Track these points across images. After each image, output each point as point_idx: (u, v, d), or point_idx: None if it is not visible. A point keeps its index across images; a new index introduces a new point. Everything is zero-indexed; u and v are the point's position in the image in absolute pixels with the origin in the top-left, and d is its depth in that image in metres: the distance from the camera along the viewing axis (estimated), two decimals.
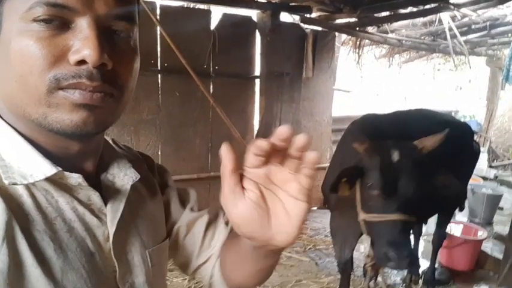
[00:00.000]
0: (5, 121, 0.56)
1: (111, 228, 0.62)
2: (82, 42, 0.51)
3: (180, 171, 4.17)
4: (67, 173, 0.56)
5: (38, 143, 0.56)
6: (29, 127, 0.55)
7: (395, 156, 2.00)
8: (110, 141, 0.75)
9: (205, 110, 4.16)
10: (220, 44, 4.17)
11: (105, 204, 0.62)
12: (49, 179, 0.55)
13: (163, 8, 3.81)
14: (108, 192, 0.64)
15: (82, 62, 0.51)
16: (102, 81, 0.53)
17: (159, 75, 3.92)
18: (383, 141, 2.09)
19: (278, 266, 3.43)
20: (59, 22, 0.51)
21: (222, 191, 0.51)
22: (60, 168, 0.55)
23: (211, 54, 4.17)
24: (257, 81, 4.56)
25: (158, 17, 3.70)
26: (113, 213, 0.62)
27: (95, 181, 0.64)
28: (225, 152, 0.48)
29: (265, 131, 4.48)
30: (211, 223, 0.85)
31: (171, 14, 3.84)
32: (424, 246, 4.01)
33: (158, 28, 3.57)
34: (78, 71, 0.52)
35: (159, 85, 3.94)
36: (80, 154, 0.61)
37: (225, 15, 4.22)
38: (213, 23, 4.15)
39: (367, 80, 10.23)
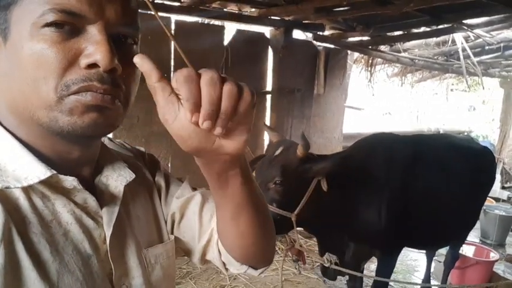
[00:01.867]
0: (2, 126, 0.57)
1: (108, 231, 0.61)
2: (94, 47, 0.52)
3: (190, 184, 4.15)
4: (62, 176, 0.56)
5: (36, 147, 0.57)
6: (31, 131, 0.56)
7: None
8: (106, 141, 0.76)
9: None
10: (233, 60, 4.21)
11: (101, 207, 0.63)
12: (45, 183, 0.55)
13: (178, 24, 3.87)
14: (103, 195, 0.64)
15: (92, 66, 0.53)
16: (112, 85, 0.55)
17: None
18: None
19: (285, 282, 3.41)
20: (69, 27, 0.53)
21: (157, 105, 0.52)
22: (54, 171, 0.55)
23: (224, 69, 4.21)
24: (268, 96, 4.59)
25: (173, 32, 3.76)
26: (108, 215, 0.62)
27: (91, 184, 0.64)
28: (143, 62, 0.49)
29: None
30: (205, 202, 0.82)
31: (185, 29, 3.90)
32: (435, 267, 3.93)
33: (172, 43, 3.63)
34: (88, 75, 0.53)
35: None
36: (78, 160, 0.61)
37: (238, 32, 4.27)
38: (226, 39, 4.20)
39: (379, 99, 10.22)
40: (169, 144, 4.04)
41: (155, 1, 3.59)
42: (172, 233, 0.80)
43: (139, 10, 0.63)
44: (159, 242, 0.74)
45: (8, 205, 0.51)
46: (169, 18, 3.75)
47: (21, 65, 0.52)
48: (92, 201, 0.61)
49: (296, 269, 2.60)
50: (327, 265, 2.36)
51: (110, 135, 0.76)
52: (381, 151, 2.58)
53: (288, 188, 2.09)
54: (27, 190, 0.54)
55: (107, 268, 0.61)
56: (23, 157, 0.55)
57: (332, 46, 4.90)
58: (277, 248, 4.20)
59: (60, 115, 0.53)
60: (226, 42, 4.19)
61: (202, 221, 0.79)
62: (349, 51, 5.20)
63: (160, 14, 3.18)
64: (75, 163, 0.61)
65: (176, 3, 3.77)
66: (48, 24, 0.51)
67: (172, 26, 3.83)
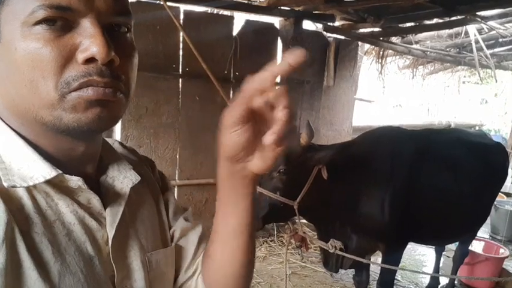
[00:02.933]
0: (6, 124, 0.56)
1: (110, 232, 0.61)
2: (89, 40, 0.51)
3: (197, 175, 4.19)
4: (67, 176, 0.56)
5: (40, 146, 0.56)
6: (33, 130, 0.55)
7: None
8: (112, 143, 0.75)
9: None
10: (242, 50, 4.18)
11: (105, 208, 0.62)
12: (49, 182, 0.55)
13: (187, 14, 3.84)
14: (107, 195, 0.64)
15: (90, 60, 0.52)
16: (112, 77, 0.54)
17: (180, 80, 3.95)
18: None
19: (292, 275, 3.42)
20: (61, 23, 0.51)
21: (232, 108, 0.53)
22: (60, 171, 0.55)
23: (233, 60, 4.19)
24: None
25: (181, 22, 3.74)
26: (112, 216, 0.62)
27: (95, 184, 0.64)
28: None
29: None
30: (203, 236, 0.82)
31: (194, 19, 3.87)
32: (443, 262, 3.90)
33: (181, 33, 3.61)
34: (87, 70, 0.52)
35: (180, 89, 3.97)
36: (83, 156, 0.61)
37: (247, 22, 4.23)
38: (235, 29, 4.17)
39: (390, 91, 10.11)
40: (178, 135, 4.04)
41: None
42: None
43: None
44: (162, 247, 0.73)
45: (11, 204, 0.51)
46: (178, 8, 3.72)
47: (17, 67, 0.51)
48: (95, 202, 0.61)
49: (299, 254, 2.62)
50: (331, 251, 2.36)
51: (117, 137, 0.74)
52: (385, 144, 2.57)
53: (291, 176, 2.12)
54: (31, 189, 0.54)
55: (109, 270, 0.61)
56: (28, 156, 0.54)
57: (342, 37, 4.84)
58: (282, 240, 4.21)
59: (64, 113, 0.52)
60: (235, 32, 4.16)
61: (197, 252, 0.79)
62: (359, 43, 5.13)
63: (169, 3, 3.17)
64: (79, 161, 0.60)
65: None
66: (39, 22, 0.50)
67: (181, 16, 3.80)
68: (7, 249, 0.48)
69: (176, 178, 4.12)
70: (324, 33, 4.72)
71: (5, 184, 0.51)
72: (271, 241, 4.47)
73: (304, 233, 2.44)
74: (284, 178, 2.12)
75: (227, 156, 0.57)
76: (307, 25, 4.60)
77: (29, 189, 0.53)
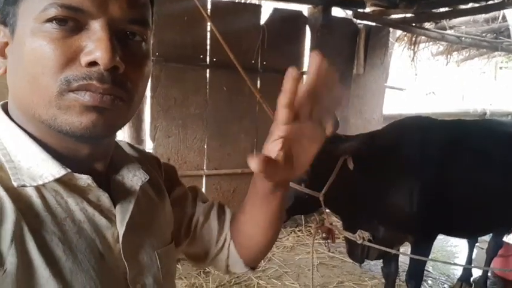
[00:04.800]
0: (15, 122, 0.57)
1: (121, 229, 0.61)
2: (95, 44, 0.51)
3: (225, 165, 4.21)
4: (76, 175, 0.56)
5: (48, 144, 0.56)
6: (39, 128, 0.56)
7: None
8: (122, 144, 0.76)
9: (252, 105, 4.16)
10: (269, 39, 4.14)
11: (115, 205, 0.62)
12: (58, 180, 0.55)
13: (214, 3, 3.83)
14: (117, 193, 0.64)
15: (93, 63, 0.51)
16: (113, 84, 0.53)
17: (208, 70, 3.96)
18: None
19: (320, 266, 3.40)
20: (72, 24, 0.51)
21: (276, 123, 0.57)
22: (69, 170, 0.55)
23: (260, 49, 4.16)
24: (305, 77, 4.49)
25: (209, 12, 3.74)
26: (122, 214, 0.62)
27: (105, 182, 0.64)
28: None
29: None
30: (220, 209, 0.90)
31: (221, 9, 3.86)
32: (477, 253, 3.79)
33: (208, 23, 3.60)
34: (89, 73, 0.51)
35: (207, 80, 3.98)
36: (90, 156, 0.61)
37: (275, 10, 4.18)
38: (263, 18, 4.13)
39: (423, 78, 9.82)
40: (206, 126, 4.07)
41: None
42: (189, 235, 0.86)
43: (151, 4, 0.61)
44: (168, 243, 0.75)
45: (20, 203, 0.51)
46: None
47: (23, 62, 0.52)
48: (105, 199, 0.61)
49: (326, 246, 2.60)
50: (359, 241, 2.34)
51: (123, 138, 0.75)
52: (414, 134, 2.50)
53: (316, 167, 2.12)
54: (40, 188, 0.54)
55: (121, 267, 0.61)
56: (37, 154, 0.55)
57: (373, 24, 4.71)
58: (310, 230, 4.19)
59: (58, 112, 0.52)
60: (262, 21, 4.12)
61: (220, 226, 0.87)
62: (391, 29, 4.99)
63: None
64: (86, 160, 0.60)
65: None
66: (49, 20, 0.50)
67: (209, 6, 3.79)
68: (17, 249, 0.48)
69: (204, 168, 4.16)
70: (354, 20, 4.61)
71: (15, 184, 0.51)
72: (299, 231, 4.46)
73: (331, 224, 2.42)
74: (309, 170, 2.13)
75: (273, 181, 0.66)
76: (337, 12, 4.50)
77: (38, 188, 0.54)
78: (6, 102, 0.60)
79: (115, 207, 0.62)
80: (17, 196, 0.51)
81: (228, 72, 3.79)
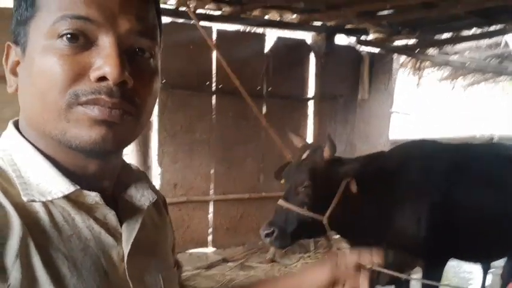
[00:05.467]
0: (26, 138, 0.57)
1: (126, 248, 0.60)
2: (104, 60, 0.51)
3: (232, 190, 4.21)
4: (85, 192, 0.56)
5: (57, 161, 0.56)
6: (49, 144, 0.56)
7: None
8: (130, 164, 0.75)
9: (258, 130, 4.18)
10: (274, 67, 4.22)
11: (121, 224, 0.61)
12: (66, 197, 0.55)
13: (220, 33, 3.93)
14: (124, 212, 0.63)
15: (102, 78, 0.51)
16: (122, 98, 0.53)
17: (213, 97, 4.02)
18: None
19: None
20: (83, 40, 0.52)
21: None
22: (78, 187, 0.55)
23: (265, 76, 4.22)
24: (310, 102, 4.54)
25: (215, 41, 3.83)
26: (128, 233, 0.61)
27: (112, 200, 0.63)
28: None
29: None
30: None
31: (227, 37, 3.95)
32: (492, 279, 3.69)
33: (214, 51, 3.69)
34: (98, 87, 0.52)
35: (213, 106, 4.04)
36: (98, 173, 0.60)
37: (279, 39, 4.27)
38: (267, 46, 4.22)
39: (429, 103, 9.82)
40: (212, 151, 4.10)
41: (197, 11, 3.66)
42: None
43: (159, 24, 0.62)
44: (171, 268, 0.74)
45: (27, 219, 0.51)
46: (210, 27, 3.82)
47: (32, 78, 0.53)
48: (112, 217, 0.60)
49: None
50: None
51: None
52: (419, 158, 2.47)
53: (317, 190, 2.11)
54: (47, 204, 0.54)
55: (126, 286, 0.60)
56: (46, 171, 0.55)
57: (376, 50, 4.78)
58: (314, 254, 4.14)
59: (68, 126, 0.53)
60: (267, 49, 4.21)
61: None
62: (395, 55, 5.05)
63: (202, 23, 3.25)
64: (94, 177, 0.60)
65: (218, 12, 3.83)
66: (61, 35, 0.51)
67: (214, 35, 3.88)
68: (22, 265, 0.47)
69: (211, 193, 4.16)
70: (357, 46, 4.68)
71: (25, 198, 0.51)
72: (308, 257, 4.40)
73: (338, 249, 2.38)
74: (310, 192, 2.11)
75: None
76: (340, 39, 4.58)
77: (45, 204, 0.53)
78: (18, 120, 0.60)
79: (121, 226, 0.61)
80: (25, 212, 0.51)
81: (234, 98, 3.85)
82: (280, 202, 2.11)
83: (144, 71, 0.56)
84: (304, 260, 4.34)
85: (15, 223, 0.49)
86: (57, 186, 0.54)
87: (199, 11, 3.72)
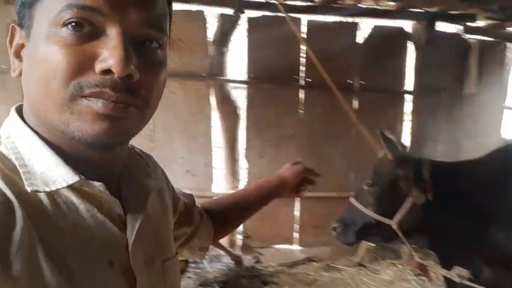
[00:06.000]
0: (29, 126, 0.56)
1: (130, 238, 0.60)
2: (109, 52, 0.50)
3: (320, 188, 4.07)
4: (89, 181, 0.55)
5: (61, 149, 0.55)
6: (52, 133, 0.55)
7: None
8: (136, 150, 0.75)
9: (348, 126, 3.99)
10: (368, 58, 4.01)
11: (125, 213, 0.61)
12: (71, 186, 0.54)
13: (310, 24, 3.83)
14: (128, 201, 0.63)
15: (107, 71, 0.50)
16: (127, 92, 0.52)
17: (301, 91, 3.94)
18: None
19: None
20: (88, 29, 0.51)
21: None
22: (82, 176, 0.54)
23: (358, 68, 4.03)
24: (408, 97, 4.22)
25: (304, 33, 3.75)
26: (132, 222, 0.61)
27: (116, 189, 0.63)
28: None
29: (416, 152, 4.08)
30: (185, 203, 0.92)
31: (317, 29, 3.84)
32: None
33: (303, 45, 3.61)
34: (102, 80, 0.51)
35: (301, 100, 3.95)
36: (102, 163, 0.59)
37: (374, 28, 4.03)
38: (361, 36, 4.02)
39: None
40: (299, 147, 4.02)
41: (286, 2, 3.61)
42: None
43: (169, 12, 0.61)
44: (173, 255, 0.75)
45: (30, 209, 0.50)
46: (299, 19, 3.73)
47: (36, 66, 0.52)
48: (116, 206, 0.60)
49: (418, 284, 2.30)
50: (457, 280, 2.02)
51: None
52: None
53: (380, 192, 2.00)
54: (52, 193, 0.53)
55: (130, 275, 0.60)
56: (50, 159, 0.54)
57: (487, 38, 4.28)
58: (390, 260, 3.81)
59: (71, 118, 0.51)
60: (360, 39, 4.02)
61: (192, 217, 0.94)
62: (508, 44, 4.47)
63: (291, 15, 3.20)
64: (98, 167, 0.59)
65: (308, 3, 3.73)
66: (66, 24, 0.50)
67: (304, 27, 3.79)
68: (25, 256, 0.47)
69: None
70: (464, 35, 4.23)
71: (28, 188, 0.51)
72: (399, 264, 4.09)
73: (421, 258, 2.14)
74: (372, 192, 2.01)
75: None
76: (443, 27, 4.18)
77: (49, 194, 0.53)
78: (21, 105, 0.60)
79: (125, 215, 0.61)
80: (28, 201, 0.51)
81: (323, 92, 3.73)
82: (351, 199, 2.07)
83: (151, 62, 0.55)
84: (396, 267, 4.05)
85: (18, 213, 0.49)
86: (61, 175, 0.53)
87: (289, 2, 3.66)
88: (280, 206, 4.10)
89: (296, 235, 4.20)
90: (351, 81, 4.01)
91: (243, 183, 4.08)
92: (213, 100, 3.88)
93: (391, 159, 1.99)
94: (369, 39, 4.00)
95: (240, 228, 4.13)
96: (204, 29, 3.78)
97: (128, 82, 0.52)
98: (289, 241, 4.19)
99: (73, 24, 0.50)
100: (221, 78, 3.88)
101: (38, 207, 0.51)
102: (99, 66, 0.50)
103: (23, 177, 0.52)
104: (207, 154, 3.93)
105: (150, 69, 0.55)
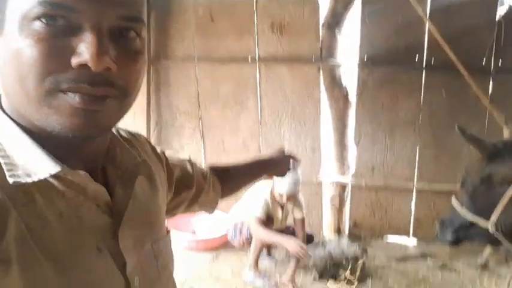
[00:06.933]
0: (9, 116, 0.57)
1: (118, 222, 0.62)
2: (84, 46, 0.50)
3: (441, 180, 3.73)
4: (71, 171, 0.56)
5: (42, 139, 0.55)
6: (32, 124, 0.55)
7: None
8: (115, 132, 0.74)
9: (479, 113, 3.54)
10: (507, 37, 3.48)
11: (112, 198, 0.63)
12: (55, 175, 0.55)
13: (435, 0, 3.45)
14: (114, 186, 0.64)
15: (83, 66, 0.50)
16: (105, 85, 0.52)
17: (423, 72, 3.60)
18: None
19: None
20: (62, 22, 0.50)
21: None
22: (63, 166, 0.55)
23: (494, 47, 3.53)
24: None
25: (429, 9, 3.41)
26: (119, 207, 0.63)
27: (102, 175, 0.64)
28: None
29: None
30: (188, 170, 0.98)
31: (443, 5, 3.45)
32: None
33: (426, 23, 3.26)
34: (79, 76, 0.50)
35: (423, 83, 3.62)
36: (84, 152, 0.61)
37: None
38: (499, 12, 3.51)
39: None
40: (418, 133, 3.71)
41: None
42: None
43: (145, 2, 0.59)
44: (165, 235, 0.77)
45: (16, 200, 0.51)
46: None
47: (10, 60, 0.51)
48: (101, 192, 0.61)
49: None
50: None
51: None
52: None
53: (472, 191, 1.88)
54: (37, 183, 0.54)
55: (119, 260, 0.61)
56: (32, 150, 0.55)
57: None
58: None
59: (49, 112, 0.52)
60: (498, 15, 3.51)
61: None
62: None
63: None
64: (80, 156, 0.60)
65: None
66: (39, 17, 0.49)
67: (428, 4, 3.45)
68: (13, 246, 0.48)
69: (415, 181, 3.78)
70: None
71: (10, 180, 0.51)
72: None
73: None
74: (464, 191, 1.89)
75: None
76: None
77: (33, 184, 0.53)
78: (0, 95, 0.60)
79: (112, 200, 0.63)
80: (13, 192, 0.51)
81: (449, 74, 3.38)
82: (453, 197, 1.96)
83: (129, 52, 0.55)
84: None
85: (4, 205, 0.50)
86: (43, 165, 0.54)
87: None
88: (393, 195, 3.86)
89: (411, 228, 3.91)
90: (485, 62, 3.53)
91: (351, 170, 3.92)
92: (322, 84, 3.77)
93: (481, 156, 1.85)
94: (509, 15, 3.44)
95: (347, 215, 4.03)
96: (316, 12, 3.65)
97: (106, 75, 0.52)
98: (404, 233, 3.93)
99: (46, 18, 0.49)
100: (332, 61, 3.74)
101: (22, 198, 0.52)
102: (74, 61, 0.50)
103: (5, 168, 0.52)
104: (315, 139, 3.85)
105: (128, 59, 0.55)
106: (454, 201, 1.92)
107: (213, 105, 3.97)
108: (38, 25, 0.49)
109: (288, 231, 3.30)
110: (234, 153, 3.99)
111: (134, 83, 0.58)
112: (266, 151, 3.91)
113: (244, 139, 3.95)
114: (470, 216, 1.86)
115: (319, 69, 3.73)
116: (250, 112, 3.88)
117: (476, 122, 3.59)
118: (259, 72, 3.79)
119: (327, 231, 4.05)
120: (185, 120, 4.06)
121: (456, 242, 2.01)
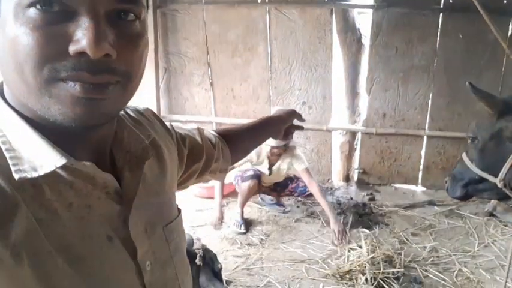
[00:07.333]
0: (13, 109, 0.55)
1: (128, 209, 0.61)
2: (82, 33, 0.48)
3: (452, 127, 3.69)
4: (78, 162, 0.55)
5: (46, 130, 0.54)
6: (34, 115, 0.53)
7: None
8: (123, 112, 0.72)
9: (497, 57, 3.41)
10: None
11: (121, 185, 0.62)
12: (62, 167, 0.53)
13: None
14: (123, 172, 0.63)
15: (82, 53, 0.48)
16: (106, 72, 0.50)
17: (441, 15, 3.42)
18: None
19: None
20: (58, 9, 0.47)
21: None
22: (69, 157, 0.53)
23: None
24: None
25: None
26: (129, 193, 0.62)
27: (110, 161, 0.64)
28: None
29: None
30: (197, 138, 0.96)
31: None
32: None
33: None
34: (78, 63, 0.48)
35: (439, 26, 3.45)
36: (90, 141, 0.59)
37: None
38: None
39: None
40: (432, 80, 3.60)
41: None
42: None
43: None
44: (175, 217, 0.75)
45: (24, 193, 0.50)
46: None
47: (7, 49, 0.49)
48: (110, 180, 0.60)
49: None
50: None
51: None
52: None
53: (482, 147, 1.87)
54: (43, 176, 0.52)
55: (130, 247, 0.61)
56: (36, 142, 0.53)
57: None
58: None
59: (50, 101, 0.50)
60: None
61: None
62: None
63: None
64: (87, 145, 0.59)
65: None
66: (33, 3, 0.46)
67: None
68: (24, 241, 0.48)
69: (426, 128, 3.73)
70: None
71: (16, 176, 0.50)
72: None
73: None
74: (473, 147, 1.88)
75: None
76: None
77: (41, 176, 0.52)
78: (2, 83, 0.58)
79: (121, 187, 0.62)
80: (20, 186, 0.50)
81: (467, 16, 3.22)
82: (463, 153, 1.95)
83: (129, 36, 0.53)
84: None
85: (12, 200, 0.49)
86: (49, 158, 0.52)
87: None
88: (403, 143, 3.83)
89: (420, 175, 3.92)
90: (506, 2, 3.32)
91: (362, 117, 3.86)
92: (334, 28, 3.61)
93: (491, 112, 1.82)
94: None
95: (356, 163, 4.03)
96: None
97: (106, 61, 0.49)
98: (413, 182, 3.95)
99: (40, 3, 0.47)
100: (344, 3, 3.56)
101: (30, 191, 0.51)
102: (72, 49, 0.48)
103: (10, 162, 0.51)
104: (326, 86, 3.77)
105: (128, 44, 0.52)
106: (464, 157, 1.92)
107: (222, 52, 3.88)
108: (32, 12, 0.47)
109: (291, 180, 3.37)
110: (244, 101, 3.96)
111: (137, 68, 0.56)
112: (276, 99, 3.88)
113: (254, 87, 3.90)
114: (479, 172, 1.86)
115: (331, 12, 3.57)
116: (260, 58, 3.79)
117: (493, 68, 3.47)
118: (269, 15, 3.66)
119: (336, 178, 4.09)
120: (194, 68, 4.00)
121: (465, 197, 2.04)
